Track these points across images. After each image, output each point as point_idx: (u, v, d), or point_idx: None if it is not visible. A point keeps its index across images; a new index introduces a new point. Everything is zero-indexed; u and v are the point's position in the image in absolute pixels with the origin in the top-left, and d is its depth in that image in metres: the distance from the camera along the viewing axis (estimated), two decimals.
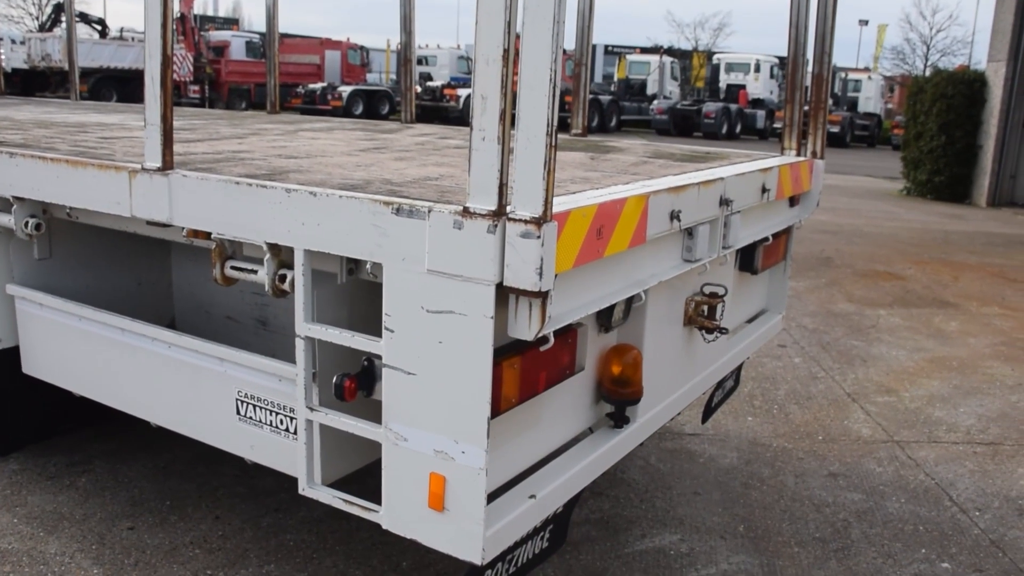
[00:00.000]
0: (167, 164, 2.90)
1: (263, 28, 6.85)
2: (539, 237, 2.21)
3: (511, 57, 2.18)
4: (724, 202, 3.43)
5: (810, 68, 4.56)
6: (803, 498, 4.70)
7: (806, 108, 4.63)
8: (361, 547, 3.97)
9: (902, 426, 5.81)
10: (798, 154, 4.62)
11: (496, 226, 2.21)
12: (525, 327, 2.38)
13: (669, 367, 3.44)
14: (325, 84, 38.35)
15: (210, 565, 3.79)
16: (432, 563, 3.85)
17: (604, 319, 2.95)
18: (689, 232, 3.26)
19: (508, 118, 2.18)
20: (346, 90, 37.01)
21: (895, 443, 5.52)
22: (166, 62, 2.76)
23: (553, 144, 2.20)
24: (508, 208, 2.25)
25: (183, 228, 2.96)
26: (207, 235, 2.89)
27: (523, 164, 2.23)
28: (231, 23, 52.76)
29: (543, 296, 2.31)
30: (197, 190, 2.83)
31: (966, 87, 19.05)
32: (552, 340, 2.55)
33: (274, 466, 3.07)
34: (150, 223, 3.05)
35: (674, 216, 3.02)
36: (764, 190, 3.88)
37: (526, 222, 2.23)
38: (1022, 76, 18.46)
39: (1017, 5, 18.07)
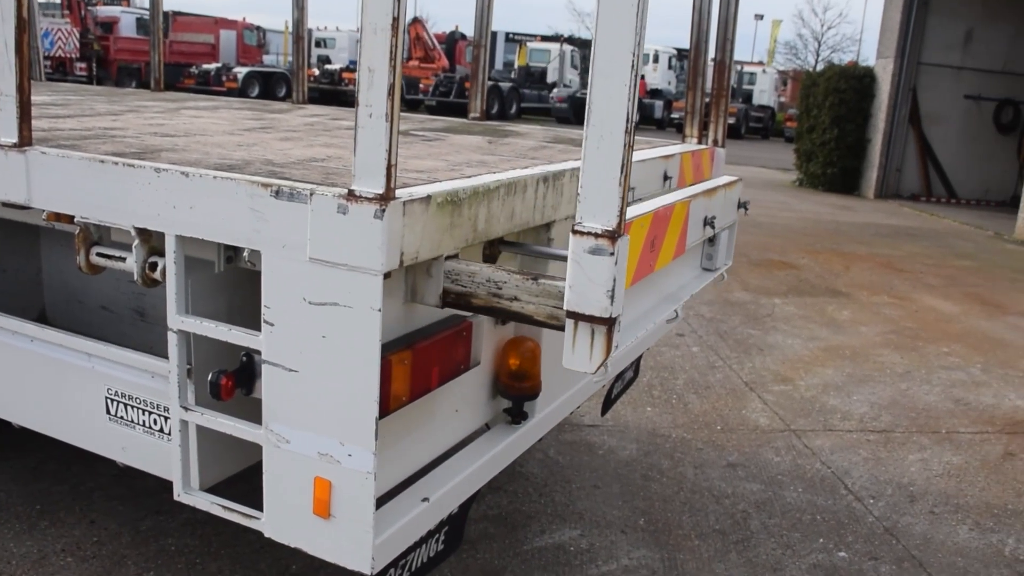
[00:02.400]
0: (24, 140, 2.64)
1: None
2: (612, 254, 1.98)
3: (401, 26, 2.00)
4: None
5: (712, 57, 4.50)
6: (703, 489, 4.66)
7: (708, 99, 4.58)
8: (248, 551, 3.76)
9: (798, 415, 5.84)
10: (699, 142, 4.56)
11: (384, 211, 2.03)
12: (585, 358, 2.11)
13: None
14: (220, 65, 37.23)
15: (83, 574, 3.53)
16: (323, 566, 3.64)
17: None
18: None
19: (397, 93, 2.00)
20: (241, 71, 36.02)
21: (792, 432, 5.54)
22: (21, 26, 2.49)
23: (631, 144, 1.94)
24: (399, 192, 2.08)
25: (43, 211, 2.70)
26: (70, 219, 2.64)
27: (593, 166, 1.97)
28: None
29: (611, 323, 2.05)
30: (58, 169, 2.57)
31: (857, 82, 19.59)
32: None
33: (148, 469, 2.84)
34: (6, 204, 2.78)
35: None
36: (666, 177, 3.80)
37: (597, 235, 1.99)
38: (908, 73, 19.06)
39: (904, 4, 18.62)
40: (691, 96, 4.57)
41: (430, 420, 2.65)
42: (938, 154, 19.85)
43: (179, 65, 35.48)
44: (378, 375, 2.15)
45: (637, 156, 3.60)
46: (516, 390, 2.96)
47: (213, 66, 36.72)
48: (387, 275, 2.10)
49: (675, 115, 36.86)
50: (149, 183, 2.37)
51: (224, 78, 35.33)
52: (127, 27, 37.05)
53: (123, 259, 2.58)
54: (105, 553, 3.68)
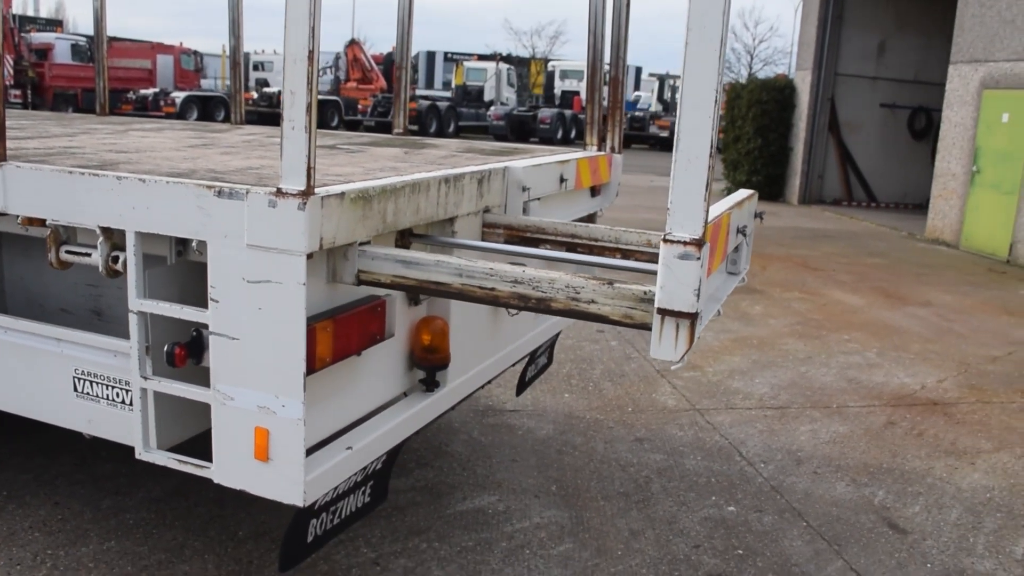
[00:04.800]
0: (0, 156, 3.11)
1: (90, 30, 6.90)
2: (699, 259, 2.30)
3: (316, 57, 2.52)
4: (523, 189, 3.87)
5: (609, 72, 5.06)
6: (611, 460, 5.21)
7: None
8: (199, 521, 4.21)
9: (703, 396, 6.43)
10: (599, 149, 5.12)
11: (305, 204, 2.55)
12: (671, 349, 2.42)
13: (476, 337, 3.84)
14: (157, 90, 37.27)
15: (50, 545, 3.95)
16: (268, 531, 4.14)
17: (412, 293, 3.32)
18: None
19: (314, 110, 2.52)
20: (179, 96, 36.12)
21: (696, 411, 6.12)
22: None
23: (712, 167, 2.28)
24: (318, 189, 2.59)
25: (18, 216, 3.16)
26: (42, 222, 3.11)
27: (683, 185, 2.30)
28: (54, 24, 50.58)
29: (694, 318, 2.37)
30: (31, 180, 3.04)
31: (778, 93, 20.48)
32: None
33: (111, 437, 3.30)
34: None
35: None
36: (562, 180, 4.34)
37: (685, 243, 2.31)
38: (825, 83, 19.99)
39: (820, 18, 19.57)
40: (590, 108, 5.13)
41: (354, 385, 3.15)
42: (857, 160, 20.79)
43: (116, 91, 35.45)
44: (304, 339, 2.67)
45: (535, 161, 4.16)
46: (428, 361, 3.48)
47: (151, 91, 36.74)
48: (310, 256, 2.62)
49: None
50: (112, 189, 2.86)
51: (162, 103, 35.38)
52: (62, 53, 36.94)
53: (88, 254, 3.06)
54: (69, 528, 4.11)
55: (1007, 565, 4.32)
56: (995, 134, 14.28)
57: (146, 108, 34.93)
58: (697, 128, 2.27)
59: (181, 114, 34.32)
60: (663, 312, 2.41)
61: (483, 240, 3.71)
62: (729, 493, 4.90)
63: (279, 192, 2.59)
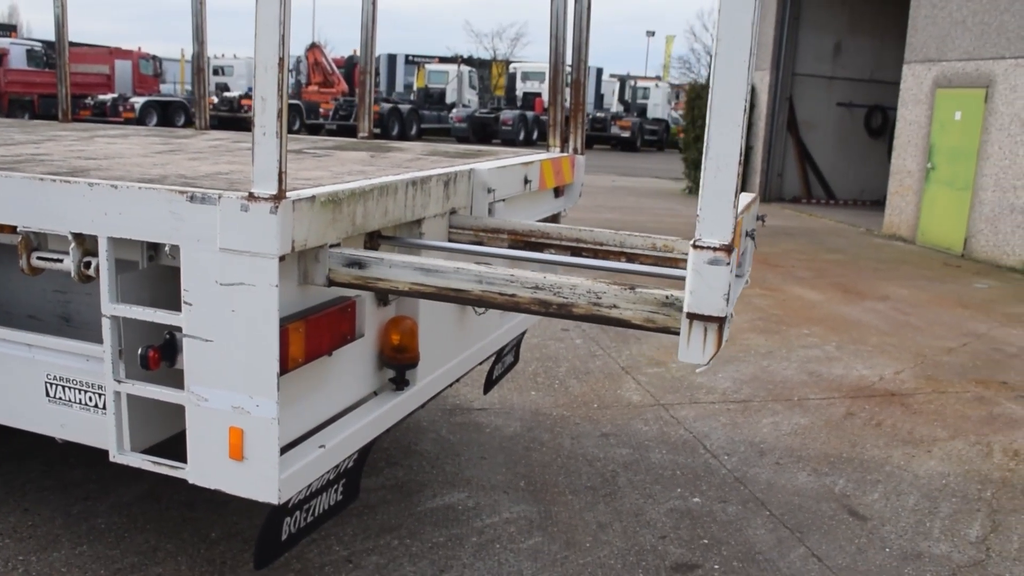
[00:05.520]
0: None
1: (44, 35, 6.89)
2: (728, 264, 2.35)
3: (286, 64, 2.59)
4: (489, 190, 3.95)
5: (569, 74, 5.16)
6: (578, 455, 5.30)
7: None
8: (171, 524, 4.24)
9: (668, 392, 6.55)
10: (562, 150, 5.21)
11: (277, 208, 2.61)
12: (699, 352, 2.46)
13: (444, 336, 3.92)
14: (116, 95, 36.90)
15: (21, 551, 3.97)
16: (240, 532, 4.18)
17: (381, 294, 3.39)
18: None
19: (284, 116, 2.59)
20: (139, 101, 35.80)
21: (661, 406, 6.24)
22: None
23: (741, 174, 2.31)
24: (289, 193, 2.65)
25: None
26: (13, 229, 3.14)
27: (712, 192, 2.34)
28: (8, 29, 49.83)
29: (723, 321, 2.42)
30: (3, 187, 3.07)
31: None
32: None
33: (84, 441, 3.33)
34: None
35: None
36: (526, 181, 4.42)
37: (715, 249, 2.36)
38: (784, 83, 20.28)
39: (777, 19, 19.85)
40: (552, 111, 5.22)
41: (325, 385, 3.21)
42: (816, 158, 21.10)
43: (74, 96, 34.93)
44: (278, 339, 2.73)
45: (499, 163, 4.24)
46: (398, 360, 3.55)
47: (109, 96, 36.36)
48: (282, 258, 2.68)
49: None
50: (84, 195, 2.90)
51: (121, 108, 35.04)
52: (17, 59, 36.44)
53: (60, 260, 3.09)
54: (40, 534, 4.12)
55: (961, 547, 4.46)
56: (948, 132, 14.58)
57: (105, 114, 34.56)
58: (726, 136, 2.31)
59: (140, 119, 34.02)
60: (692, 316, 2.44)
61: (449, 241, 3.79)
62: (694, 485, 5.01)
63: (251, 196, 2.65)
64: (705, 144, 2.34)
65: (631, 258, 3.64)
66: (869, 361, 7.65)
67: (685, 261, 3.44)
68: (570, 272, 3.06)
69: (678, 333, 2.51)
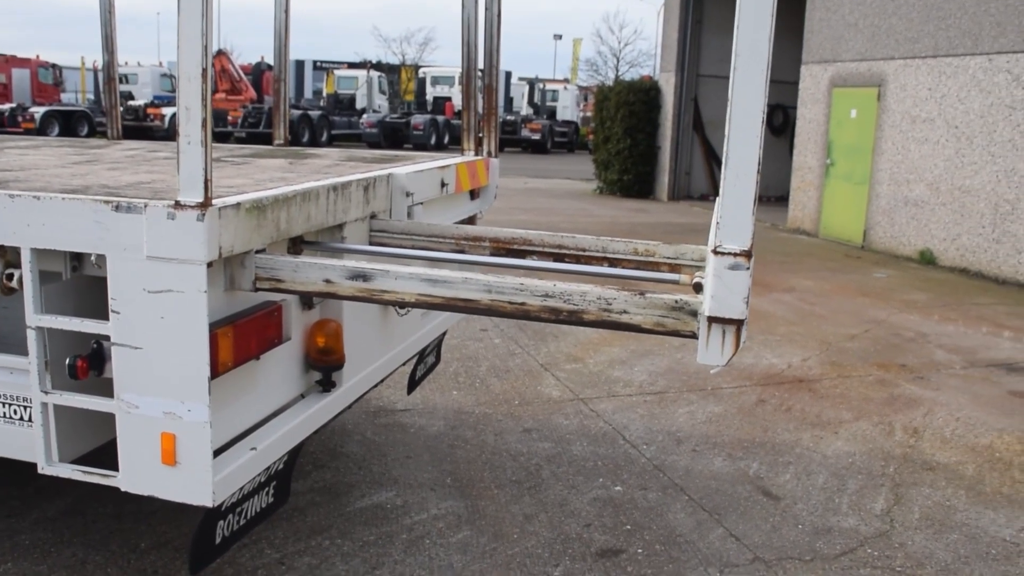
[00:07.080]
0: None
1: None
2: (748, 269, 2.42)
3: (209, 74, 2.65)
4: (407, 194, 4.04)
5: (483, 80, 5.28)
6: (501, 451, 5.43)
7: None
8: (99, 536, 4.22)
9: (586, 386, 6.72)
10: (476, 154, 5.33)
11: (204, 215, 2.67)
12: (717, 354, 2.51)
13: (368, 338, 4.00)
14: (14, 105, 35.76)
15: None
16: (169, 540, 4.19)
17: (306, 298, 3.46)
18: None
19: (209, 125, 2.65)
20: (39, 111, 34.72)
21: (580, 400, 6.40)
22: None
23: (759, 182, 2.37)
24: (215, 201, 2.71)
25: None
26: None
27: (731, 200, 2.39)
28: None
29: (740, 323, 2.47)
30: None
31: (644, 94, 21.16)
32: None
33: (11, 455, 3.31)
34: None
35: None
36: (443, 184, 4.53)
37: (735, 255, 2.40)
38: (688, 84, 20.77)
39: (681, 22, 20.33)
40: (466, 115, 5.34)
41: (255, 388, 3.26)
42: (722, 157, 21.60)
43: None
44: (207, 344, 2.78)
45: (417, 167, 4.34)
46: (324, 362, 3.61)
47: (7, 106, 35.21)
48: (210, 265, 2.74)
49: (481, 134, 37.75)
50: (5, 207, 2.91)
51: (20, 118, 33.93)
52: None
53: None
54: None
55: (868, 520, 4.72)
56: (845, 129, 15.15)
57: (2, 124, 33.44)
58: (745, 144, 2.37)
59: (41, 130, 33.00)
60: (712, 320, 2.50)
61: (371, 244, 3.87)
62: (615, 474, 5.18)
63: (178, 204, 2.70)
64: (725, 154, 2.39)
65: (613, 263, 3.70)
66: (778, 350, 7.95)
67: (667, 265, 3.61)
68: (566, 279, 3.15)
69: (688, 336, 2.61)
